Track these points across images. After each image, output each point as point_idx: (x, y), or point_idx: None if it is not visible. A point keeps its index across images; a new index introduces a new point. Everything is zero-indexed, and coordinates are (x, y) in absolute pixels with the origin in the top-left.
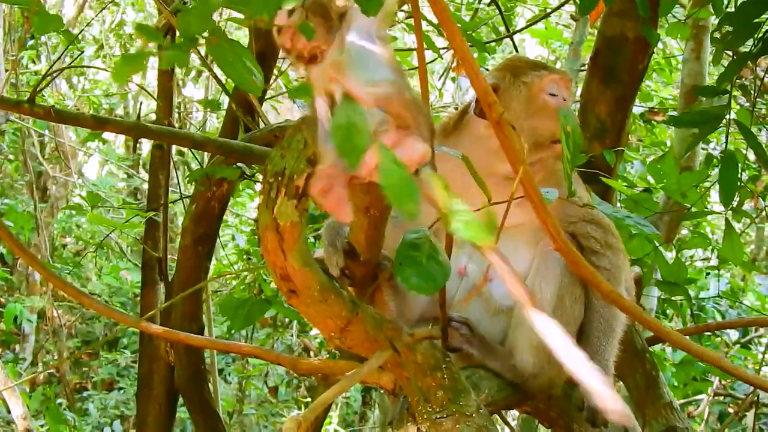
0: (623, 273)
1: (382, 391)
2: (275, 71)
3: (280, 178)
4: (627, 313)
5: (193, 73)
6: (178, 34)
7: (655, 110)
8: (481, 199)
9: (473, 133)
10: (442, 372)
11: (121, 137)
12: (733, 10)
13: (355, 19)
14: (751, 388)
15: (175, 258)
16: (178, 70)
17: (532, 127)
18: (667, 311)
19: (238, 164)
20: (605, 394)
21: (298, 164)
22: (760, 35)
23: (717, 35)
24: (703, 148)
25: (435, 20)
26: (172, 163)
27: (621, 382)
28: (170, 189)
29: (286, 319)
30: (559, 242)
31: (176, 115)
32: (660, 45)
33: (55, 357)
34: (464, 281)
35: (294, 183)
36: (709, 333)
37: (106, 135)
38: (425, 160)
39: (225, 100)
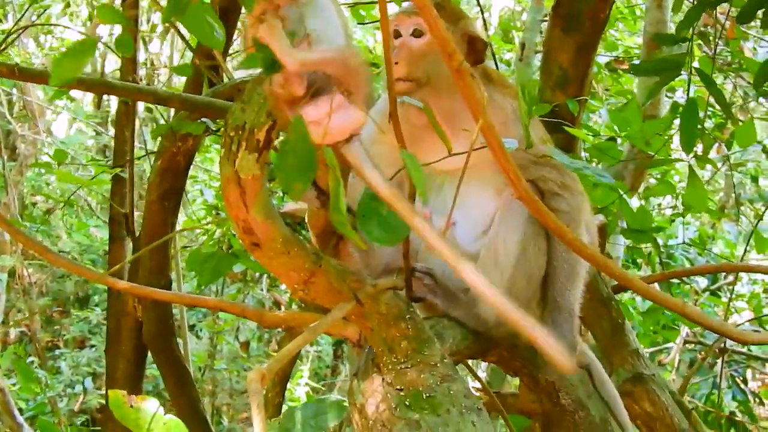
0: (582, 214)
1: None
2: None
3: (240, 132)
4: (590, 262)
5: (160, 29)
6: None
7: (620, 59)
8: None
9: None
10: (405, 322)
11: (90, 95)
12: None
13: None
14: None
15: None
16: (144, 26)
17: None
18: (637, 260)
19: (203, 119)
20: (548, 341)
21: (258, 117)
22: None
23: None
24: (668, 96)
25: None
26: (138, 120)
27: (588, 332)
28: (138, 146)
29: (257, 274)
30: (520, 190)
31: (143, 72)
32: None
33: (27, 316)
34: None
35: (255, 136)
36: (677, 280)
37: (74, 93)
38: (357, 129)
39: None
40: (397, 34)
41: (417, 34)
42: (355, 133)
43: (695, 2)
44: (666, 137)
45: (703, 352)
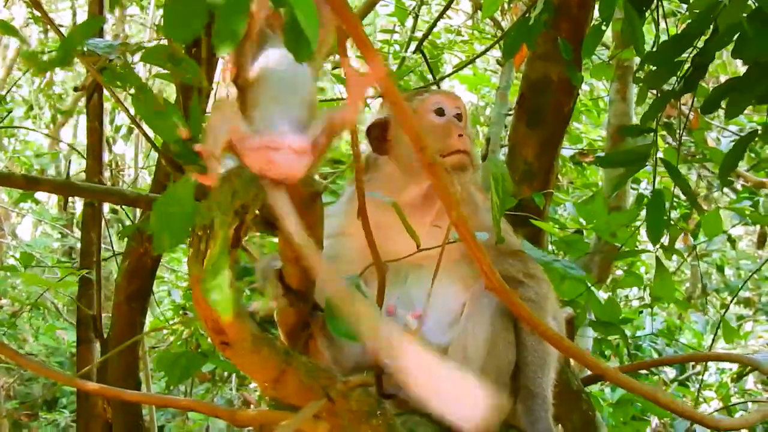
0: (549, 302)
1: None
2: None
3: (208, 231)
4: (565, 353)
5: (124, 130)
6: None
7: (585, 152)
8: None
9: (385, 172)
10: (377, 419)
11: (54, 197)
12: (654, 49)
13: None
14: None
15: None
16: (107, 128)
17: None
18: (605, 351)
19: None
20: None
21: (225, 216)
22: (682, 74)
23: (640, 75)
24: (633, 188)
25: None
26: (105, 221)
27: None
28: (104, 246)
29: (225, 373)
30: (493, 283)
31: (108, 173)
32: (587, 87)
33: None
34: (393, 321)
35: None
36: (646, 371)
37: (39, 195)
38: (296, 177)
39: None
40: (441, 112)
41: (459, 117)
42: (292, 180)
43: (659, 94)
44: (633, 229)
45: None
